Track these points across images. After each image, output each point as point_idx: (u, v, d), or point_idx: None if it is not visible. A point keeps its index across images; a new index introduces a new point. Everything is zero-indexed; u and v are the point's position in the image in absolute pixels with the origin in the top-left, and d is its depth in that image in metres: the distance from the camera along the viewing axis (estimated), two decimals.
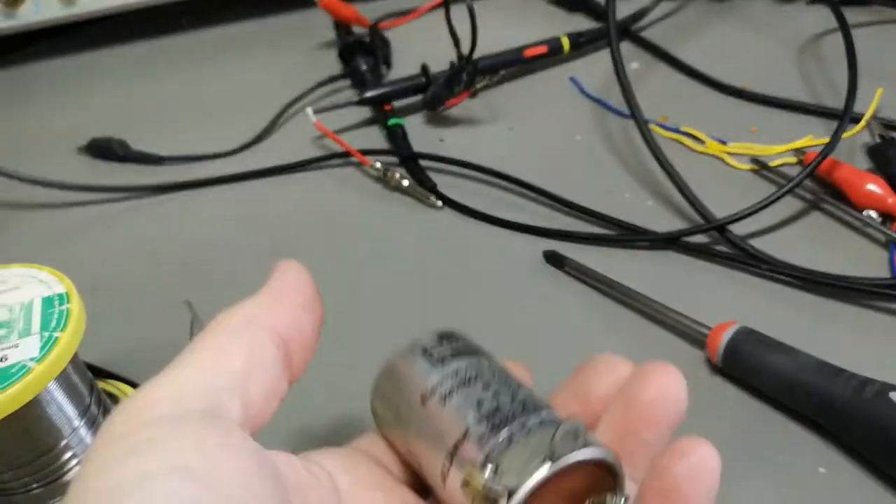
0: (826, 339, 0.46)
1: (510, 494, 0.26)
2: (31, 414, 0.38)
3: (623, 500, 0.28)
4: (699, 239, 0.55)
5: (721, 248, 0.54)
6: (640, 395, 0.32)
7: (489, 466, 0.26)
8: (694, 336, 0.48)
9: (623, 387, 0.33)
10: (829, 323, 0.49)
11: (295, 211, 0.63)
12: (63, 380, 0.39)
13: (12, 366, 0.36)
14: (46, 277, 0.41)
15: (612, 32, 0.63)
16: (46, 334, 0.37)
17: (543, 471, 0.26)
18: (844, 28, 0.62)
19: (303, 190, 0.65)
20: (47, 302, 0.39)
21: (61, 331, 0.37)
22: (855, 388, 0.41)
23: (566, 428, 0.26)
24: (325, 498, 0.29)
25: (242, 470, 0.25)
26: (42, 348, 0.37)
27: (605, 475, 0.28)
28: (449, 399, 0.30)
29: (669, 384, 0.32)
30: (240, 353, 0.28)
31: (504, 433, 0.28)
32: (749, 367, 0.45)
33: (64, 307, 0.39)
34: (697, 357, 0.47)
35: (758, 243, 0.54)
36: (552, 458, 0.26)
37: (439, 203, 0.61)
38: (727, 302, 0.51)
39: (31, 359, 0.36)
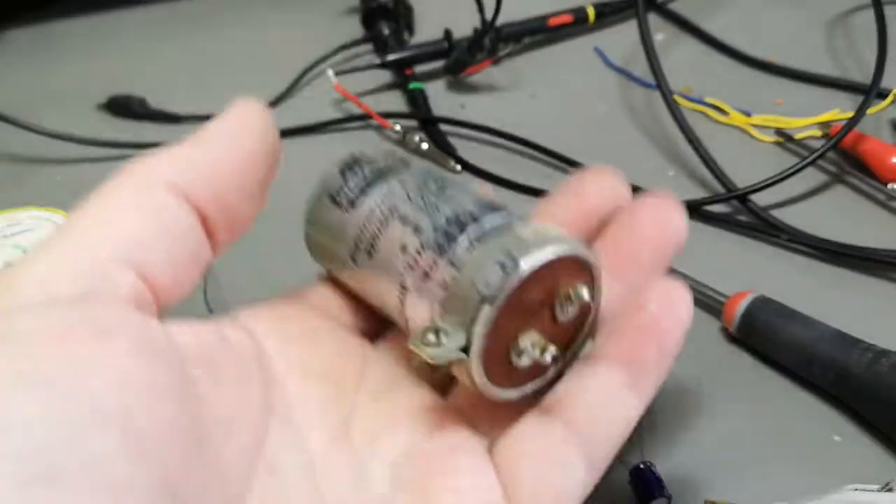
0: (844, 309, 0.45)
1: (466, 349, 0.25)
2: None
3: (593, 291, 0.27)
4: (720, 208, 0.54)
5: (742, 217, 0.54)
6: (642, 226, 0.31)
7: (430, 336, 0.25)
8: (711, 304, 0.47)
9: (622, 215, 0.32)
10: (848, 294, 0.48)
11: (314, 172, 0.63)
12: None
13: None
14: (60, 220, 0.41)
15: (640, 2, 0.62)
16: None
17: (487, 311, 0.25)
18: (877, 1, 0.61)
19: (322, 152, 0.65)
20: None
21: None
22: (871, 359, 0.40)
23: (519, 234, 0.26)
24: (242, 363, 0.26)
25: (115, 367, 0.21)
26: None
27: (580, 266, 0.27)
28: (374, 251, 0.29)
29: (671, 217, 0.32)
30: (134, 217, 0.25)
31: (444, 263, 0.26)
32: (765, 336, 0.44)
33: None
34: (714, 325, 0.47)
35: (779, 214, 0.53)
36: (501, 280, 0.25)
37: (458, 167, 0.61)
38: (746, 271, 0.50)
39: None
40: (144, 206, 0.25)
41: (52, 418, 0.19)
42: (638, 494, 0.38)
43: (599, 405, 0.28)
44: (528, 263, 0.25)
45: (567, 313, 0.27)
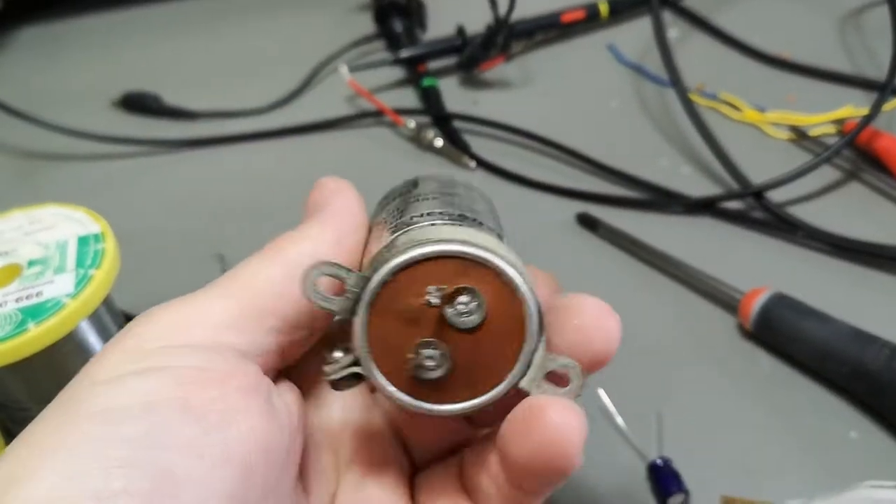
0: (860, 306, 0.45)
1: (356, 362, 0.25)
2: (64, 349, 0.38)
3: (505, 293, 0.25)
4: (735, 205, 0.54)
5: (757, 214, 0.54)
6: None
7: (333, 354, 0.26)
8: (727, 301, 0.47)
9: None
10: (864, 290, 0.48)
11: (327, 168, 0.62)
12: (96, 319, 0.39)
13: (47, 301, 0.36)
14: (82, 217, 0.41)
15: None
16: (81, 272, 0.37)
17: (370, 289, 0.25)
18: None
19: (336, 148, 0.65)
20: (83, 241, 0.39)
21: (96, 268, 0.38)
22: (888, 355, 0.40)
23: (411, 236, 0.25)
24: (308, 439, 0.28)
25: (251, 422, 0.24)
26: (77, 285, 0.37)
27: (473, 268, 0.25)
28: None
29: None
30: (281, 286, 0.27)
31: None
32: (781, 332, 0.44)
33: (99, 246, 0.39)
34: (730, 322, 0.47)
35: (794, 211, 0.53)
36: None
37: (473, 164, 0.61)
38: (761, 268, 0.50)
39: (66, 295, 0.36)
40: (289, 280, 0.26)
41: (192, 449, 0.22)
42: (656, 489, 0.39)
43: None
44: (386, 267, 0.24)
45: (462, 318, 0.25)
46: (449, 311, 0.25)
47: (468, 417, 0.28)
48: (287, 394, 0.27)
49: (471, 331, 0.25)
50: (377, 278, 0.25)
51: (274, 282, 0.27)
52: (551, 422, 0.24)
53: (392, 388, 0.25)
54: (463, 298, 0.25)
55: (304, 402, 0.28)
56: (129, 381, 0.23)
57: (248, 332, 0.26)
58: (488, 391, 0.26)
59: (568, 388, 0.25)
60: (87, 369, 0.25)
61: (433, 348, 0.25)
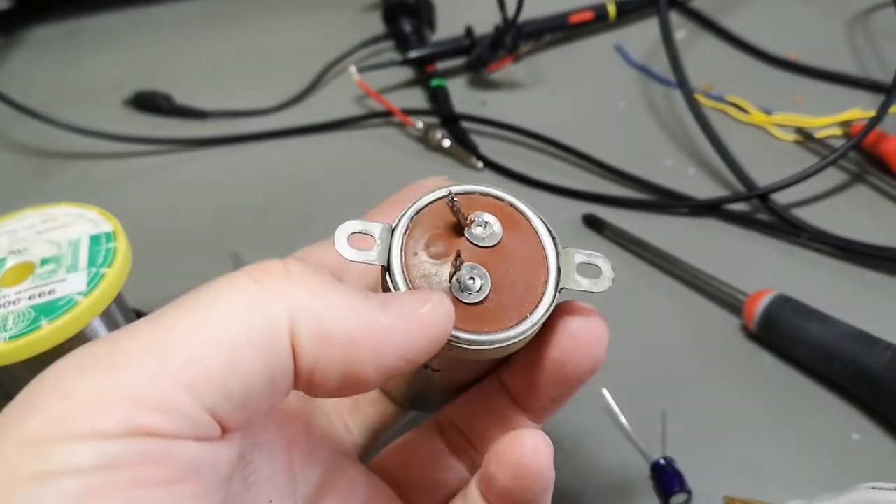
0: (863, 308, 0.45)
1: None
2: (77, 347, 0.38)
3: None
4: (740, 207, 0.55)
5: (762, 216, 0.54)
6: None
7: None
8: (731, 302, 0.47)
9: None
10: (868, 293, 0.49)
11: (336, 168, 0.64)
12: (107, 317, 0.40)
13: (60, 299, 0.37)
14: (94, 216, 0.41)
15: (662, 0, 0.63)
16: (93, 270, 0.38)
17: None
18: None
19: (345, 148, 0.66)
20: (94, 240, 0.40)
21: (108, 267, 0.38)
22: (891, 357, 0.41)
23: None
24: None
25: None
26: (89, 283, 0.37)
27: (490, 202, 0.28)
28: None
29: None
30: (225, 349, 0.22)
31: None
32: (785, 334, 0.45)
33: (111, 245, 0.39)
34: (734, 323, 0.47)
35: (800, 213, 0.54)
36: None
37: (480, 164, 0.61)
38: (766, 270, 0.50)
39: (79, 293, 0.37)
40: (243, 342, 0.22)
41: None
42: (659, 489, 0.39)
43: None
44: (411, 208, 0.27)
45: (484, 237, 0.27)
46: (470, 233, 0.27)
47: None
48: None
49: (494, 249, 0.27)
50: (403, 219, 0.26)
51: (223, 343, 0.22)
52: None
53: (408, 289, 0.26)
54: (479, 221, 0.27)
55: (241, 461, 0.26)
56: (20, 499, 0.19)
57: (176, 413, 0.21)
58: (535, 306, 0.26)
59: (601, 277, 0.27)
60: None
61: (470, 268, 0.26)
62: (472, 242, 0.27)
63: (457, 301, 0.26)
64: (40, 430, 0.20)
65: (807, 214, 0.53)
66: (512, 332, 0.26)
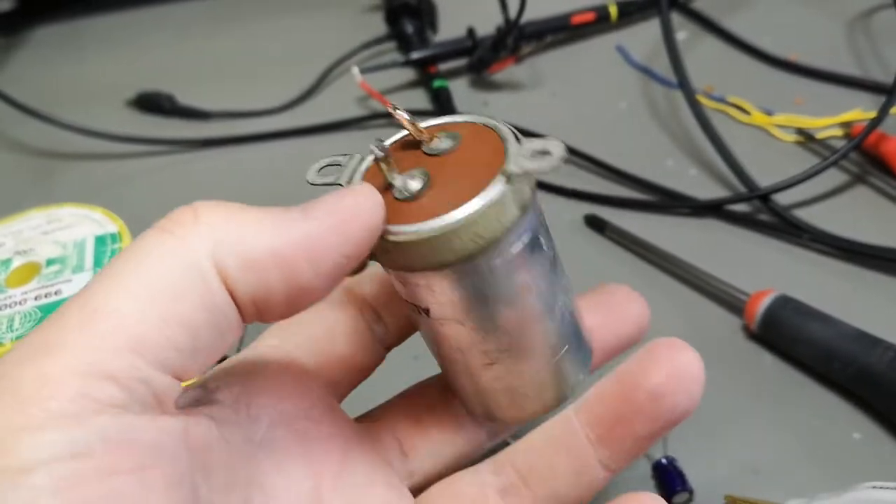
0: (864, 308, 0.46)
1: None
2: None
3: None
4: (741, 207, 0.55)
5: (763, 216, 0.54)
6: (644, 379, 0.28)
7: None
8: (732, 303, 0.48)
9: (625, 365, 0.29)
10: (869, 293, 0.49)
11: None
12: None
13: (66, 299, 0.37)
14: (99, 217, 0.42)
15: (663, 0, 0.63)
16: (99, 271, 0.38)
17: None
18: None
19: (347, 148, 0.65)
20: (100, 240, 0.40)
21: None
22: (892, 357, 0.41)
23: None
24: (232, 463, 0.25)
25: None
26: None
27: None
28: None
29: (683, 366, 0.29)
30: (162, 303, 0.22)
31: None
32: (786, 334, 0.45)
33: (116, 246, 0.40)
34: (735, 324, 0.48)
35: (801, 214, 0.54)
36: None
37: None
38: (767, 270, 0.51)
39: None
40: (173, 292, 0.22)
41: None
42: (660, 488, 0.39)
43: (563, 464, 0.29)
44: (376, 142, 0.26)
45: (432, 146, 0.27)
46: (427, 147, 0.27)
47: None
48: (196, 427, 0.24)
49: (447, 156, 0.26)
50: (371, 148, 0.26)
51: (153, 299, 0.22)
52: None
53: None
54: (440, 136, 0.27)
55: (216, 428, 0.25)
56: None
57: (127, 376, 0.21)
58: (476, 195, 0.25)
59: (550, 157, 0.25)
60: None
61: (412, 172, 0.26)
62: (426, 154, 0.27)
63: (393, 201, 0.25)
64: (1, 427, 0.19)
65: (808, 215, 0.53)
66: (446, 219, 0.24)
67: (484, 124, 0.27)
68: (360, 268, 0.28)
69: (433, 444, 0.31)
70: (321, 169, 0.27)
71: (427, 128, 0.28)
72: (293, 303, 0.24)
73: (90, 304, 0.21)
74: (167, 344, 0.22)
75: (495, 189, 0.25)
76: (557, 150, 0.24)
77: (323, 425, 0.29)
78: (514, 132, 0.26)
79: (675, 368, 0.28)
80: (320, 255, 0.24)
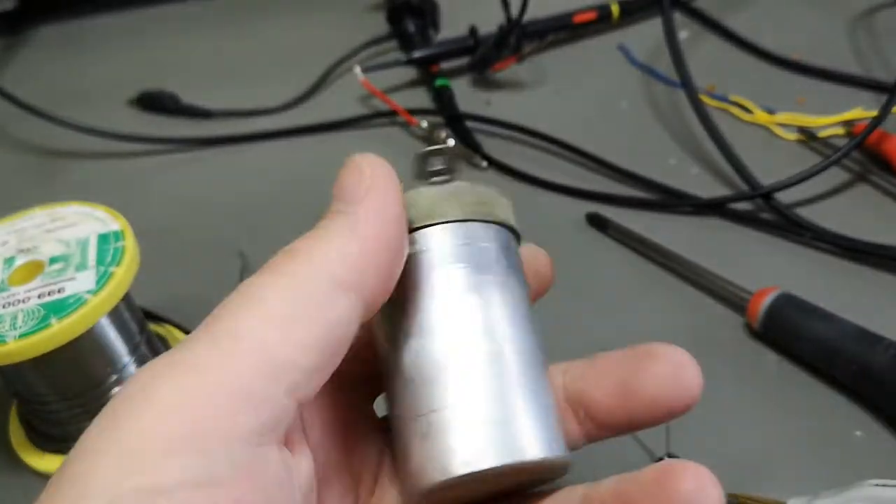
0: (866, 306, 0.46)
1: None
2: (85, 346, 0.39)
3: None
4: (744, 206, 0.55)
5: (765, 215, 0.54)
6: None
7: None
8: (734, 301, 0.48)
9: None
10: (870, 291, 0.49)
11: (341, 167, 0.64)
12: (116, 315, 0.40)
13: (69, 297, 0.37)
14: (102, 215, 0.42)
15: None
16: (102, 269, 0.38)
17: None
18: None
19: (349, 147, 0.65)
20: (103, 238, 0.40)
21: (116, 266, 0.39)
22: (893, 355, 0.41)
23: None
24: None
25: None
26: (98, 282, 0.38)
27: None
28: None
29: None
30: (297, 331, 0.22)
31: None
32: (788, 332, 0.45)
33: (119, 244, 0.40)
34: (737, 322, 0.48)
35: (803, 212, 0.54)
36: None
37: (484, 164, 0.62)
38: (769, 268, 0.51)
39: (88, 291, 0.37)
40: (310, 314, 0.23)
41: None
42: None
43: None
44: None
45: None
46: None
47: None
48: (301, 463, 0.24)
49: None
50: None
51: (286, 321, 0.22)
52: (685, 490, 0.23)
53: None
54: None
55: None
56: None
57: (266, 402, 0.21)
58: None
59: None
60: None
61: None
62: None
63: None
64: (139, 440, 0.20)
65: (810, 213, 0.54)
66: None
67: None
68: None
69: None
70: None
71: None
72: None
73: (233, 325, 0.22)
74: (297, 367, 0.22)
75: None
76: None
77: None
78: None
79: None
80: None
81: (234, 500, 0.20)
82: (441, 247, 0.27)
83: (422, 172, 0.29)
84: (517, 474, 0.26)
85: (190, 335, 0.22)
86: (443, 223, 0.27)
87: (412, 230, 0.27)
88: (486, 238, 0.27)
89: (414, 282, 0.26)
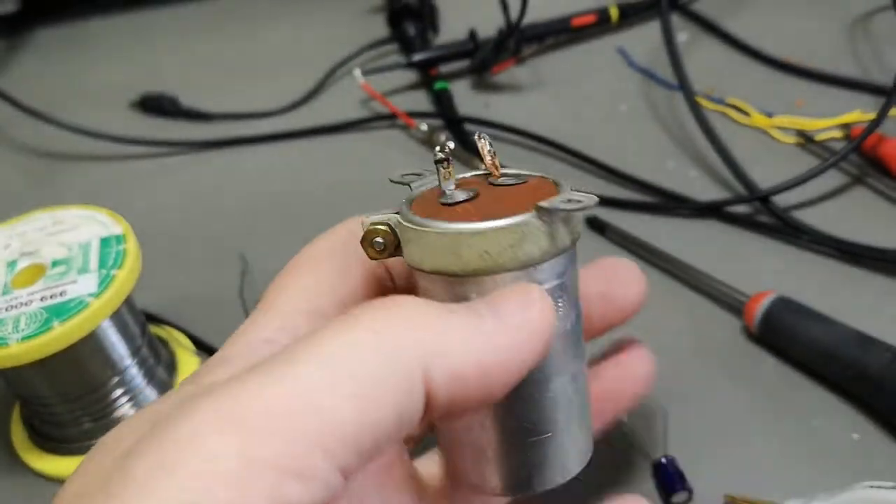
0: (863, 310, 0.46)
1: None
2: (87, 348, 0.39)
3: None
4: (741, 209, 0.55)
5: (763, 218, 0.54)
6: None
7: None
8: (732, 304, 0.48)
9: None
10: (867, 295, 0.49)
11: (341, 170, 0.64)
12: (117, 318, 0.40)
13: (71, 300, 0.37)
14: (104, 219, 0.42)
15: (663, 2, 0.63)
16: (104, 272, 0.39)
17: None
18: None
19: (349, 150, 0.66)
20: (105, 242, 0.41)
21: (118, 269, 0.39)
22: (890, 359, 0.41)
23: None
24: None
25: None
26: (100, 285, 0.38)
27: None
28: None
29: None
30: (369, 407, 0.21)
31: None
32: (785, 335, 0.45)
33: (121, 247, 0.40)
34: (735, 325, 0.48)
35: (800, 215, 0.54)
36: None
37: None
38: (767, 271, 0.51)
39: (90, 294, 0.38)
40: (376, 397, 0.21)
41: None
42: (660, 488, 0.40)
43: None
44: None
45: (496, 180, 0.28)
46: (493, 178, 0.28)
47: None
48: None
49: (503, 188, 0.28)
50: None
51: (356, 400, 0.21)
52: None
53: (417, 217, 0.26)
54: (510, 173, 0.28)
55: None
56: None
57: (315, 479, 0.20)
58: (507, 215, 0.25)
59: (580, 203, 0.25)
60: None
61: (464, 189, 0.27)
62: (490, 184, 0.28)
63: (436, 202, 0.27)
64: (183, 498, 0.19)
65: (807, 216, 0.54)
66: (461, 225, 0.25)
67: (553, 180, 0.28)
68: None
69: None
70: (403, 175, 0.29)
71: (502, 167, 0.29)
72: (470, 411, 0.24)
73: (291, 387, 0.21)
74: (355, 448, 0.21)
75: (519, 217, 0.25)
76: (590, 200, 0.25)
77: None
78: (575, 190, 0.26)
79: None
80: (511, 369, 0.24)
81: None
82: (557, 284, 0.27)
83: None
84: None
85: (259, 384, 0.21)
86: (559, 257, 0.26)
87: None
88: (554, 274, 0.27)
89: None
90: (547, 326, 0.24)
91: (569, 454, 0.28)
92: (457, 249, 0.25)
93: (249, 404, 0.20)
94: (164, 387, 0.44)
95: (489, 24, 0.70)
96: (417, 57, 0.71)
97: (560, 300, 0.27)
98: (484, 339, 0.23)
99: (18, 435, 0.45)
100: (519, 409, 0.27)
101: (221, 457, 0.19)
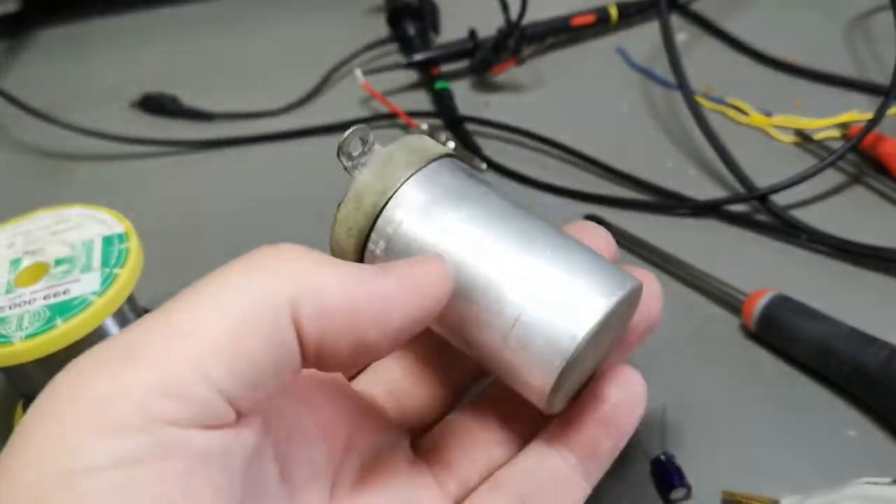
0: (860, 308, 0.46)
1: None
2: (89, 346, 0.39)
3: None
4: (740, 208, 0.56)
5: (761, 217, 0.55)
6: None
7: None
8: (730, 302, 0.48)
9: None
10: (865, 292, 0.49)
11: (341, 170, 0.64)
12: (120, 317, 0.41)
13: (74, 298, 0.38)
14: (106, 218, 0.42)
15: (663, 2, 0.63)
16: (107, 270, 0.39)
17: None
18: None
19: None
20: (107, 240, 0.41)
21: (121, 268, 0.39)
22: (887, 356, 0.41)
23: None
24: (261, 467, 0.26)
25: None
26: (103, 283, 0.38)
27: None
28: None
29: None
30: (232, 339, 0.23)
31: None
32: (783, 333, 0.45)
33: (123, 246, 0.40)
34: (733, 323, 0.48)
35: (798, 214, 0.54)
36: None
37: (484, 166, 0.62)
38: (765, 270, 0.51)
39: (93, 293, 0.38)
40: (248, 325, 0.23)
41: None
42: (658, 484, 0.40)
43: (551, 486, 0.30)
44: None
45: None
46: None
47: None
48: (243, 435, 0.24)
49: None
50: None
51: (229, 327, 0.23)
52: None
53: None
54: None
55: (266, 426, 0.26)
56: (55, 499, 0.20)
57: (190, 398, 0.22)
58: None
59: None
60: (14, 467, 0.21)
61: None
62: None
63: None
64: (65, 430, 0.21)
65: (805, 215, 0.54)
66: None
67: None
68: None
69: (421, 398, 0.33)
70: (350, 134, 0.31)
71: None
72: (354, 357, 0.26)
73: (171, 321, 0.23)
74: (232, 373, 0.23)
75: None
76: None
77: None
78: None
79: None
80: (389, 316, 0.25)
81: (154, 473, 0.21)
82: (419, 205, 0.29)
83: (351, 161, 0.31)
84: (612, 324, 0.29)
85: (142, 322, 0.23)
86: (402, 186, 0.30)
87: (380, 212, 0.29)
88: (441, 173, 0.30)
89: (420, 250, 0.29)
90: (434, 281, 0.26)
91: (565, 313, 0.27)
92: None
93: (129, 338, 0.23)
94: None
95: (489, 24, 0.70)
96: (418, 57, 0.71)
97: (438, 209, 0.29)
98: (360, 282, 0.25)
99: None
100: (477, 304, 0.28)
101: (96, 386, 0.22)
